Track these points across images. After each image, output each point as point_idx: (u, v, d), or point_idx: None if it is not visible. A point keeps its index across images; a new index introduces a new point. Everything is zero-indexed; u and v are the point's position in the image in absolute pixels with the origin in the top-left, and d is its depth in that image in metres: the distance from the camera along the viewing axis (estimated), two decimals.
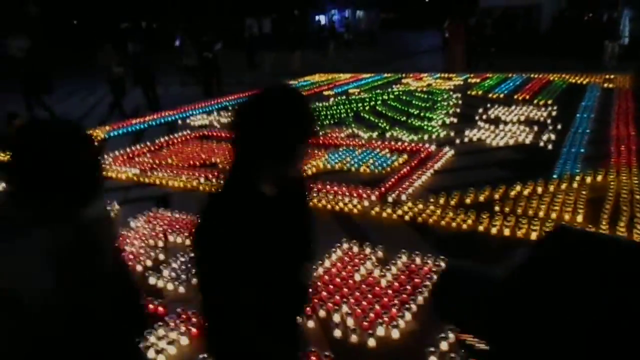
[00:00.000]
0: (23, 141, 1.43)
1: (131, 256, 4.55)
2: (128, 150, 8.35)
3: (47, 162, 1.38)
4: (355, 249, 4.43)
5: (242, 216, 1.54)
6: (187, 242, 4.76)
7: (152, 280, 4.11)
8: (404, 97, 11.46)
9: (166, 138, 9.00)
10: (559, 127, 8.01)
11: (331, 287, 3.85)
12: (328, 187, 5.93)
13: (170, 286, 4.06)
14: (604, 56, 14.18)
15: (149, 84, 12.31)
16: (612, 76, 12.43)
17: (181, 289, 4.00)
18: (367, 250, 4.39)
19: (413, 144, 7.58)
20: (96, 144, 1.55)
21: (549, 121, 8.47)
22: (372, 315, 3.44)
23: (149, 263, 4.49)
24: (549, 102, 9.97)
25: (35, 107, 11.45)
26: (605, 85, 11.51)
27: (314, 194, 5.71)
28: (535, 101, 10.12)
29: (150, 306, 3.70)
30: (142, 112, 12.02)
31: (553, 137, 7.47)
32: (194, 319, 3.52)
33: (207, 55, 13.79)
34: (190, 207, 5.55)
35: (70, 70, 21.47)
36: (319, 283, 3.92)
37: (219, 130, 9.48)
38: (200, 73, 14.39)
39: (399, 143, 7.67)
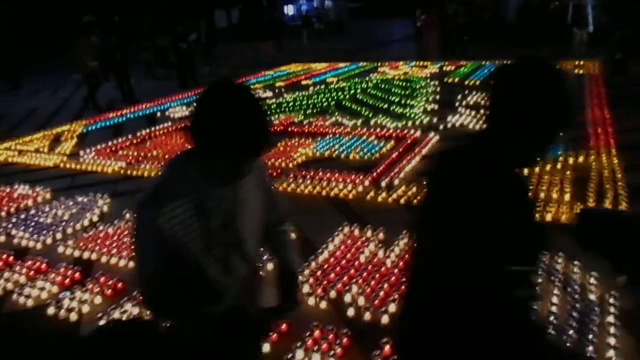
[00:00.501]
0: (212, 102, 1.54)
1: None
2: (110, 143, 8.23)
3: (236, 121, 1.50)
4: (357, 232, 4.50)
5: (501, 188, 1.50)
6: None
7: None
8: (383, 86, 11.57)
9: (147, 130, 8.91)
10: None
11: (338, 269, 3.91)
12: (321, 174, 5.98)
13: None
14: (572, 43, 14.51)
15: (123, 77, 12.11)
16: (581, 62, 12.76)
17: None
18: (369, 233, 4.47)
19: (398, 131, 7.67)
20: None
21: None
22: (382, 293, 3.52)
23: None
24: None
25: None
26: (576, 71, 11.81)
27: (305, 181, 5.77)
28: None
29: None
30: (117, 105, 11.84)
31: None
32: None
33: (181, 46, 13.63)
34: None
35: (38, 66, 20.94)
36: (325, 266, 3.98)
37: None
38: (175, 64, 14.20)
39: (384, 130, 7.75)
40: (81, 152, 7.89)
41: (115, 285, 3.96)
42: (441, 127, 7.84)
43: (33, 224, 5.28)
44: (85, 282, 4.05)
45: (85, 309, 3.71)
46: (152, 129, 9.04)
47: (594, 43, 15.08)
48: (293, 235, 3.21)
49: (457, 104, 9.28)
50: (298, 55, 18.73)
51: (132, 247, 1.68)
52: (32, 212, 5.64)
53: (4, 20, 20.96)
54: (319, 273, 3.89)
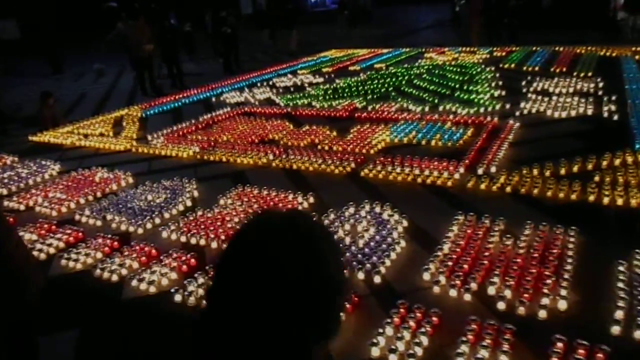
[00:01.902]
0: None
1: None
2: (175, 128, 8.13)
3: None
4: (475, 222, 4.33)
5: None
6: None
7: None
8: (436, 71, 11.31)
9: (209, 115, 8.80)
10: (614, 98, 7.93)
11: (470, 260, 3.76)
12: (410, 160, 5.80)
13: None
14: (624, 29, 14.11)
15: (174, 61, 12.01)
16: (638, 48, 12.37)
17: None
18: (488, 223, 4.30)
19: (473, 117, 7.44)
20: None
21: (599, 93, 8.39)
22: (529, 286, 3.36)
23: None
24: (589, 74, 9.88)
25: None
26: (637, 57, 11.44)
27: (395, 167, 5.61)
28: (575, 73, 10.03)
29: None
30: (166, 90, 11.76)
31: (613, 108, 7.40)
32: None
33: (225, 30, 13.47)
34: (266, 184, 5.50)
35: (79, 50, 20.94)
36: (454, 256, 3.83)
37: (259, 106, 9.28)
38: (220, 49, 14.06)
39: (459, 116, 7.54)
40: (149, 137, 7.80)
41: None
42: (517, 113, 7.60)
43: (127, 208, 5.18)
44: (206, 268, 3.93)
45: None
46: (213, 114, 8.91)
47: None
48: None
49: (524, 90, 9.02)
50: (327, 43, 18.31)
51: None
52: (122, 195, 5.54)
53: (43, 3, 20.89)
54: (450, 264, 3.73)
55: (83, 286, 3.94)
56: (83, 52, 20.26)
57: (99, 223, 4.99)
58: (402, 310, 3.23)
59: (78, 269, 4.16)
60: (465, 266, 3.68)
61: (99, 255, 4.32)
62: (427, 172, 5.51)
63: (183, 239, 4.50)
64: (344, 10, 22.70)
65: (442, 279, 3.55)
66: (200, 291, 3.64)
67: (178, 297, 3.61)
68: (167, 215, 5.00)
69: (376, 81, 10.73)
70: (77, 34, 24.11)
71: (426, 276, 3.64)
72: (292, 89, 10.78)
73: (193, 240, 4.43)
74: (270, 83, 11.63)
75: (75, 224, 5.01)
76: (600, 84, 8.93)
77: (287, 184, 5.57)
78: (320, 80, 11.53)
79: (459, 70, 11.26)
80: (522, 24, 15.02)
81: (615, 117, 7.05)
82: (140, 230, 4.73)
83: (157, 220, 4.89)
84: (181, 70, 12.27)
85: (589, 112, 7.39)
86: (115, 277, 3.97)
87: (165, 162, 6.77)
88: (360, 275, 3.69)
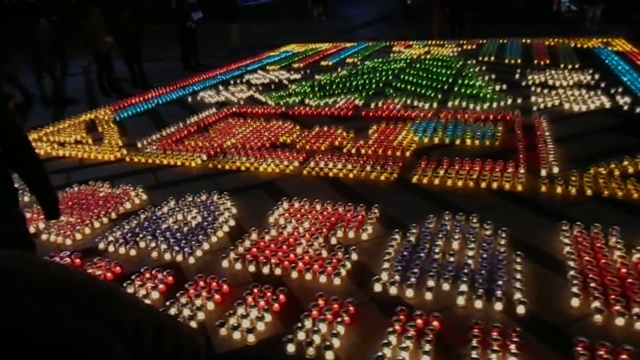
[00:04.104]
0: None
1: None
2: (164, 133, 7.25)
3: None
4: (585, 233, 3.91)
5: None
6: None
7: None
8: (418, 65, 10.95)
9: (196, 118, 7.96)
10: (620, 90, 7.86)
11: (616, 280, 3.31)
12: (460, 162, 5.33)
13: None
14: (585, 21, 14.43)
15: (135, 57, 10.90)
16: (605, 39, 12.63)
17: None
18: (599, 232, 3.88)
19: (495, 113, 7.10)
20: None
21: (602, 85, 8.31)
22: None
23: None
24: (576, 66, 9.86)
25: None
26: (609, 48, 11.63)
27: (447, 171, 5.12)
28: (562, 65, 9.98)
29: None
30: (128, 89, 10.70)
31: (628, 100, 7.31)
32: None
33: (190, 26, 12.45)
34: (307, 195, 4.87)
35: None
36: (594, 277, 3.37)
37: (247, 106, 8.52)
38: (180, 45, 12.98)
39: (480, 113, 7.20)
40: (138, 144, 6.87)
41: (351, 312, 3.19)
42: (534, 108, 7.33)
43: (162, 231, 4.35)
44: (309, 308, 3.24)
45: (337, 344, 2.93)
46: (199, 116, 8.07)
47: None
48: None
49: (523, 83, 8.82)
50: (275, 38, 17.53)
51: None
52: (146, 216, 4.69)
53: None
54: (594, 285, 3.27)
55: None
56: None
57: (133, 252, 4.13)
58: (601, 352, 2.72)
59: None
60: (617, 288, 3.23)
61: (156, 295, 3.50)
62: (486, 175, 5.03)
63: (251, 268, 3.77)
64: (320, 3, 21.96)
65: (597, 304, 3.07)
66: (317, 339, 2.96)
67: (291, 347, 2.91)
68: (214, 239, 4.23)
69: (359, 76, 10.22)
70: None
71: (574, 302, 3.15)
72: (272, 87, 10.04)
73: (265, 270, 3.71)
74: (244, 80, 10.81)
75: (102, 254, 4.13)
76: (596, 76, 8.86)
77: (332, 195, 4.94)
78: (297, 76, 10.86)
79: (440, 64, 10.94)
80: (485, 17, 14.98)
81: (638, 110, 6.90)
82: (191, 260, 3.94)
83: (206, 246, 4.11)
84: (143, 68, 11.16)
85: (607, 105, 7.24)
86: (193, 324, 3.20)
87: (173, 173, 5.92)
88: (498, 306, 3.14)
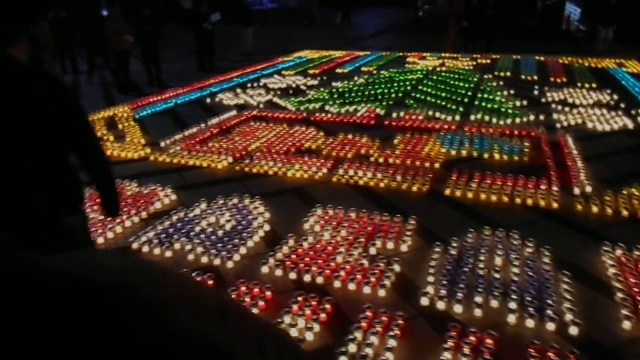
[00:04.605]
0: None
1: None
2: (186, 133, 7.21)
3: None
4: (618, 253, 3.88)
5: None
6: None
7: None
8: (435, 77, 10.95)
9: (217, 119, 7.92)
10: None
11: None
12: (493, 177, 5.31)
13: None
14: (598, 41, 14.49)
15: (153, 56, 10.87)
16: (618, 60, 12.69)
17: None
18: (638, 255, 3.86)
19: (520, 128, 7.09)
20: None
21: (622, 105, 8.33)
22: None
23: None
24: (593, 85, 9.89)
25: None
26: (623, 69, 11.67)
27: (479, 185, 5.09)
28: (579, 84, 10.01)
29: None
30: (144, 89, 10.65)
31: None
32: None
33: (206, 27, 12.42)
34: (338, 202, 4.81)
35: None
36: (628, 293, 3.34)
37: (268, 110, 8.48)
38: (197, 47, 12.95)
39: (503, 127, 7.20)
40: (161, 143, 6.82)
41: (402, 326, 3.14)
42: (558, 125, 7.32)
43: (197, 234, 4.30)
44: (358, 320, 3.19)
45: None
46: (221, 117, 8.04)
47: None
48: None
49: (543, 100, 8.83)
50: (288, 44, 17.51)
51: None
52: (178, 217, 4.63)
53: None
54: None
55: None
56: None
57: (168, 253, 4.08)
58: None
59: None
60: None
61: None
62: (520, 191, 5.01)
63: (292, 275, 3.72)
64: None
65: None
66: (370, 352, 2.91)
67: None
68: (250, 244, 4.17)
69: (377, 85, 10.21)
70: None
71: (626, 325, 3.12)
72: (290, 92, 10.01)
73: (307, 278, 3.66)
74: (261, 84, 10.77)
75: (136, 255, 4.07)
76: (615, 96, 8.88)
77: (364, 204, 4.90)
78: (315, 82, 10.84)
79: (457, 76, 10.95)
80: (498, 33, 15.01)
81: None
82: (230, 264, 3.88)
83: (243, 250, 4.06)
84: (160, 67, 11.12)
85: (630, 126, 7.25)
86: None
87: (200, 174, 5.87)
88: (550, 326, 3.10)
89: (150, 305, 0.70)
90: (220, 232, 4.34)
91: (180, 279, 0.87)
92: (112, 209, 2.59)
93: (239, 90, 10.14)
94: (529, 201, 4.85)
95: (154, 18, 10.63)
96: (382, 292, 3.47)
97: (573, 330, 3.07)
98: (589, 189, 5.09)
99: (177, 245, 4.16)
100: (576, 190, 5.05)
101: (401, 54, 14.76)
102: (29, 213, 2.15)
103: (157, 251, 4.12)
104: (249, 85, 10.68)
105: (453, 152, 6.28)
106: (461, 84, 10.17)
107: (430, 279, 3.58)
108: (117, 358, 0.54)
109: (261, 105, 8.93)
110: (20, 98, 2.07)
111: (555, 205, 4.78)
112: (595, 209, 4.67)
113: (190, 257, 4.00)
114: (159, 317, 0.69)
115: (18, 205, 2.11)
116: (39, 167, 2.16)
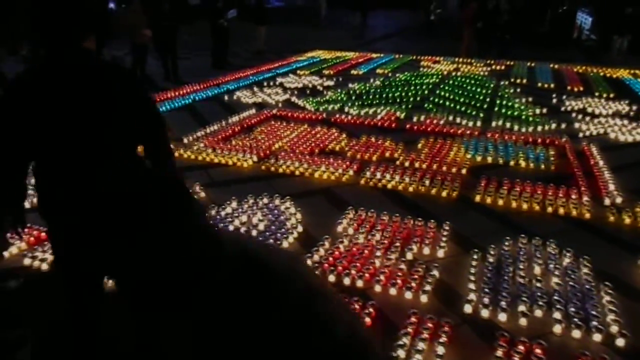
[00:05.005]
0: None
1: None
2: (208, 130, 7.18)
3: None
4: None
5: None
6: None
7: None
8: (451, 82, 10.94)
9: (237, 117, 7.90)
10: None
11: None
12: (522, 185, 5.30)
13: None
14: (611, 50, 14.50)
15: (171, 50, 10.84)
16: (633, 71, 12.70)
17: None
18: None
19: (543, 136, 7.08)
20: None
21: None
22: None
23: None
24: (611, 95, 9.89)
25: None
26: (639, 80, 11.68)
27: (509, 193, 5.08)
28: (597, 93, 10.01)
29: None
30: (161, 84, 10.61)
31: None
32: None
33: (222, 23, 12.39)
34: (368, 205, 4.78)
35: None
36: None
37: (288, 110, 8.46)
38: (212, 43, 12.91)
39: (527, 134, 7.20)
40: (184, 139, 6.80)
41: (450, 333, 3.13)
42: (581, 135, 7.32)
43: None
44: (405, 325, 3.17)
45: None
46: (241, 115, 8.02)
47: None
48: None
49: (562, 108, 8.83)
50: (295, 43, 17.48)
51: None
52: (209, 215, 4.61)
53: None
54: None
55: None
56: None
57: None
58: None
59: None
60: None
61: None
62: (551, 200, 5.00)
63: (332, 278, 3.70)
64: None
65: None
66: (420, 358, 2.89)
67: None
68: (285, 245, 4.16)
69: (394, 88, 10.20)
70: None
71: None
72: (307, 92, 9.99)
73: (347, 281, 3.65)
74: (277, 83, 10.76)
75: None
76: (634, 107, 8.89)
77: (394, 208, 4.89)
78: (330, 83, 10.83)
79: (474, 82, 10.94)
80: (512, 39, 15.00)
81: None
82: None
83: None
84: (177, 63, 11.09)
85: None
86: None
87: (226, 172, 5.85)
88: (597, 337, 3.09)
89: (311, 289, 0.98)
90: (254, 232, 4.32)
91: (310, 270, 1.27)
92: None
93: (255, 88, 10.11)
94: (561, 210, 4.84)
95: (173, 13, 10.59)
96: (424, 298, 3.45)
97: (620, 342, 3.05)
98: (619, 199, 5.08)
99: None
100: (607, 201, 5.03)
101: (414, 57, 14.75)
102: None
103: None
104: (265, 84, 10.65)
105: (478, 159, 6.26)
106: (478, 89, 10.16)
107: (472, 286, 3.56)
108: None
109: (280, 105, 8.90)
110: (101, 92, 2.06)
111: (587, 215, 4.76)
112: (627, 220, 4.66)
113: None
114: (318, 298, 0.95)
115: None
116: (116, 166, 2.15)
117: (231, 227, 4.40)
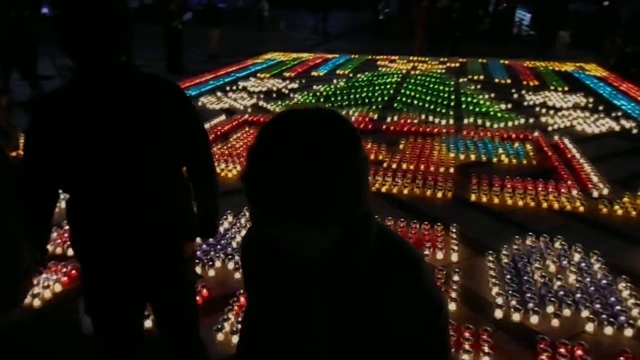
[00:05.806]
0: None
1: None
2: None
3: None
4: None
5: None
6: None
7: None
8: (413, 81, 11.04)
9: (208, 124, 7.63)
10: (619, 113, 8.26)
11: None
12: (511, 181, 5.38)
13: None
14: (557, 45, 15.07)
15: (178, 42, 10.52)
16: (578, 64, 13.26)
17: None
18: None
19: (517, 132, 7.24)
20: None
21: (599, 107, 8.69)
22: None
23: None
24: (566, 88, 10.26)
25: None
26: (586, 73, 12.20)
27: (504, 190, 5.15)
28: (552, 87, 10.35)
29: None
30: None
31: (633, 123, 7.68)
32: None
33: (176, 26, 12.00)
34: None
35: None
36: None
37: (260, 115, 8.27)
38: (165, 46, 12.47)
39: (502, 131, 7.34)
40: None
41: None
42: (549, 128, 7.52)
43: (235, 250, 4.10)
44: None
45: None
46: (211, 122, 7.76)
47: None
48: None
49: (524, 103, 9.08)
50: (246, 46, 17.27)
51: None
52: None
53: None
54: None
55: None
56: None
57: (211, 273, 3.86)
58: None
59: None
60: None
61: None
62: (546, 195, 5.09)
63: None
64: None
65: None
66: None
67: None
68: None
69: (359, 89, 10.19)
70: None
71: None
72: (273, 95, 9.82)
73: None
74: (240, 87, 10.51)
75: None
76: (590, 99, 9.25)
77: (392, 211, 4.84)
78: (295, 85, 10.70)
79: (434, 80, 11.08)
80: (463, 36, 15.32)
81: None
82: None
83: None
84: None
85: (616, 128, 7.54)
86: None
87: None
88: (628, 332, 3.13)
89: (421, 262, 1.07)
90: None
91: None
92: (209, 228, 2.38)
93: (219, 93, 9.84)
94: (555, 205, 4.92)
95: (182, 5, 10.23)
96: (452, 306, 3.40)
97: None
98: (605, 191, 5.22)
99: (218, 264, 3.94)
100: (595, 193, 5.17)
101: (370, 57, 14.82)
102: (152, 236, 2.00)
103: (198, 270, 3.87)
104: (227, 88, 10.38)
105: (462, 157, 6.30)
106: (441, 87, 10.29)
107: (496, 290, 3.54)
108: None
109: (249, 110, 8.69)
110: (145, 108, 1.87)
111: (581, 208, 4.87)
112: (620, 211, 4.79)
113: (237, 275, 3.80)
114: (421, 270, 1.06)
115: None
116: (157, 183, 1.97)
117: (234, 244, 4.21)
